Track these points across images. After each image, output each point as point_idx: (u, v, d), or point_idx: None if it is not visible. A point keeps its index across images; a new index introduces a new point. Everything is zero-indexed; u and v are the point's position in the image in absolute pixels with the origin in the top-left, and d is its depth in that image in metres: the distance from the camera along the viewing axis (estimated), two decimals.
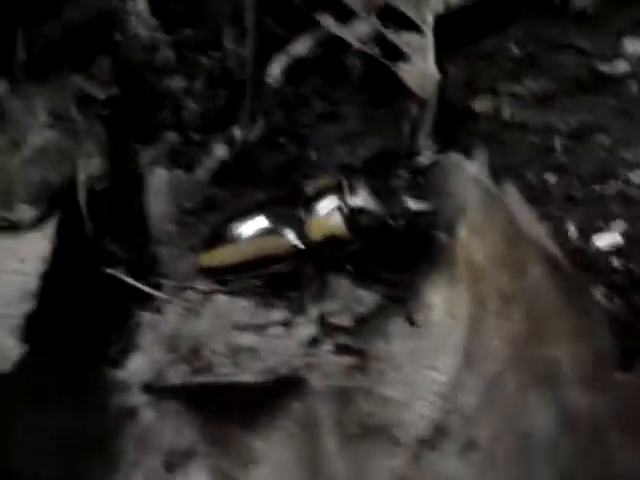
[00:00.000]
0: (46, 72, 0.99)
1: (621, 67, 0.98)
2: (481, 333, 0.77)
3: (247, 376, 0.77)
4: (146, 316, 0.85)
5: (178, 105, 1.00)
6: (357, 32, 0.90)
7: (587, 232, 0.92)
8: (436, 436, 0.75)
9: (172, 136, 1.00)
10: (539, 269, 0.71)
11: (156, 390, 0.79)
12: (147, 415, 0.80)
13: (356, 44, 0.90)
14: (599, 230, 0.92)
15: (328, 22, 0.91)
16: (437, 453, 0.74)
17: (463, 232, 0.82)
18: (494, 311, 0.76)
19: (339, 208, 0.86)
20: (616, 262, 0.90)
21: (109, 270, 0.90)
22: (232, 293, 0.90)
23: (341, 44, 0.98)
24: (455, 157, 0.86)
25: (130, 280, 0.90)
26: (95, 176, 0.95)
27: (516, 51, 1.00)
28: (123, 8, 1.00)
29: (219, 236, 0.92)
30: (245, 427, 0.78)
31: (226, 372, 0.77)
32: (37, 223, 0.91)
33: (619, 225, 0.91)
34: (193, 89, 1.00)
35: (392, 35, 0.90)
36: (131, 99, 1.01)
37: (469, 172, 0.84)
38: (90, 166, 0.95)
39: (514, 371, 0.72)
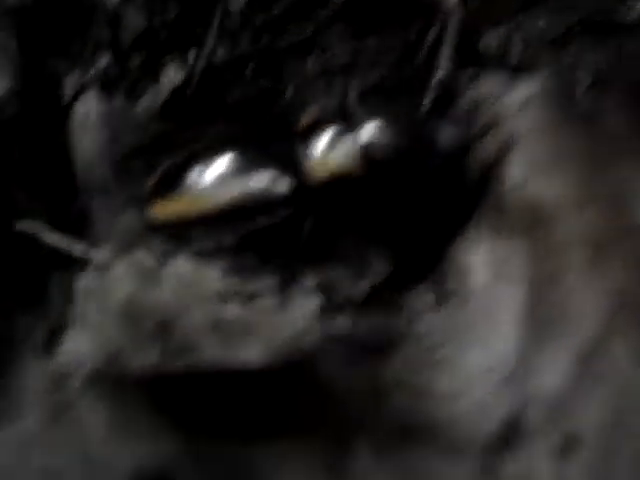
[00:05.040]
0: None
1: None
2: (558, 293, 0.58)
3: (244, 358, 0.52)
4: (86, 279, 0.58)
5: (115, 17, 0.76)
6: None
7: None
8: (513, 435, 0.54)
9: (106, 58, 0.75)
10: None
11: (108, 382, 0.52)
12: (93, 420, 0.52)
13: None
14: None
15: None
16: (519, 458, 0.53)
17: (516, 171, 0.63)
18: (580, 262, 0.57)
19: (346, 140, 0.65)
20: None
21: (21, 225, 0.63)
22: (197, 256, 0.65)
23: None
24: (495, 78, 0.68)
25: (52, 237, 0.63)
26: None
27: None
28: None
29: (175, 180, 0.67)
30: (245, 437, 0.53)
31: (215, 353, 0.53)
32: None
33: None
34: None
35: None
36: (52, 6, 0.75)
37: (518, 97, 0.66)
38: None
39: (623, 334, 0.53)
